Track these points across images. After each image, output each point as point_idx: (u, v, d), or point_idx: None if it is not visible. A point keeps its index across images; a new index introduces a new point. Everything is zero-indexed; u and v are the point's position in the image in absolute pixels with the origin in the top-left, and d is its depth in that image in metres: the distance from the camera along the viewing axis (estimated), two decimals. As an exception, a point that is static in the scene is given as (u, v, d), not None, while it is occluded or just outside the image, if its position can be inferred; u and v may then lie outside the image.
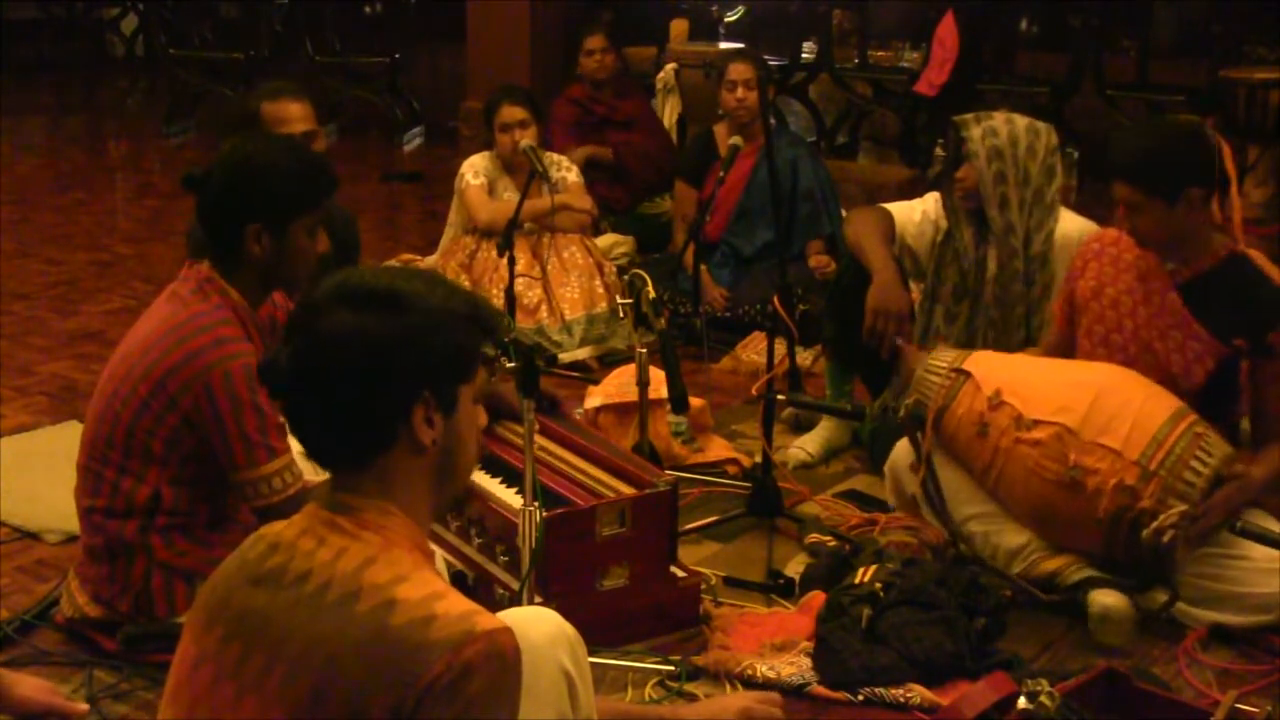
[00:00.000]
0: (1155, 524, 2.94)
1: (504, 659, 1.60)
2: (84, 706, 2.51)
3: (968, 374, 3.23)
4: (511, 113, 5.07)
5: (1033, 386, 3.15)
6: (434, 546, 2.92)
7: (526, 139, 4.90)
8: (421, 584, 1.64)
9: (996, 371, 3.22)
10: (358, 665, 1.58)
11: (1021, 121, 3.74)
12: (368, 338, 1.67)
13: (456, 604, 1.62)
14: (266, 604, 1.66)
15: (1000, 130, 3.69)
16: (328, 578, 1.65)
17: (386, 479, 1.72)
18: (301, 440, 1.76)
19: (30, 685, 2.52)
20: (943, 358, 3.32)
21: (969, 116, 3.75)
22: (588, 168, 5.77)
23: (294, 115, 3.72)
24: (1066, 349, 3.45)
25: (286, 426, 2.86)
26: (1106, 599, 3.02)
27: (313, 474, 3.01)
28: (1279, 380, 3.17)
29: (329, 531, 1.70)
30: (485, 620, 1.60)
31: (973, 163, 3.68)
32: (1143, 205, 3.13)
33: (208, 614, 1.72)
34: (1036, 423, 3.09)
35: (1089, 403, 3.06)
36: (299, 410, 1.73)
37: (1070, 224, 3.76)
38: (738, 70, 5.18)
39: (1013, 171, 3.68)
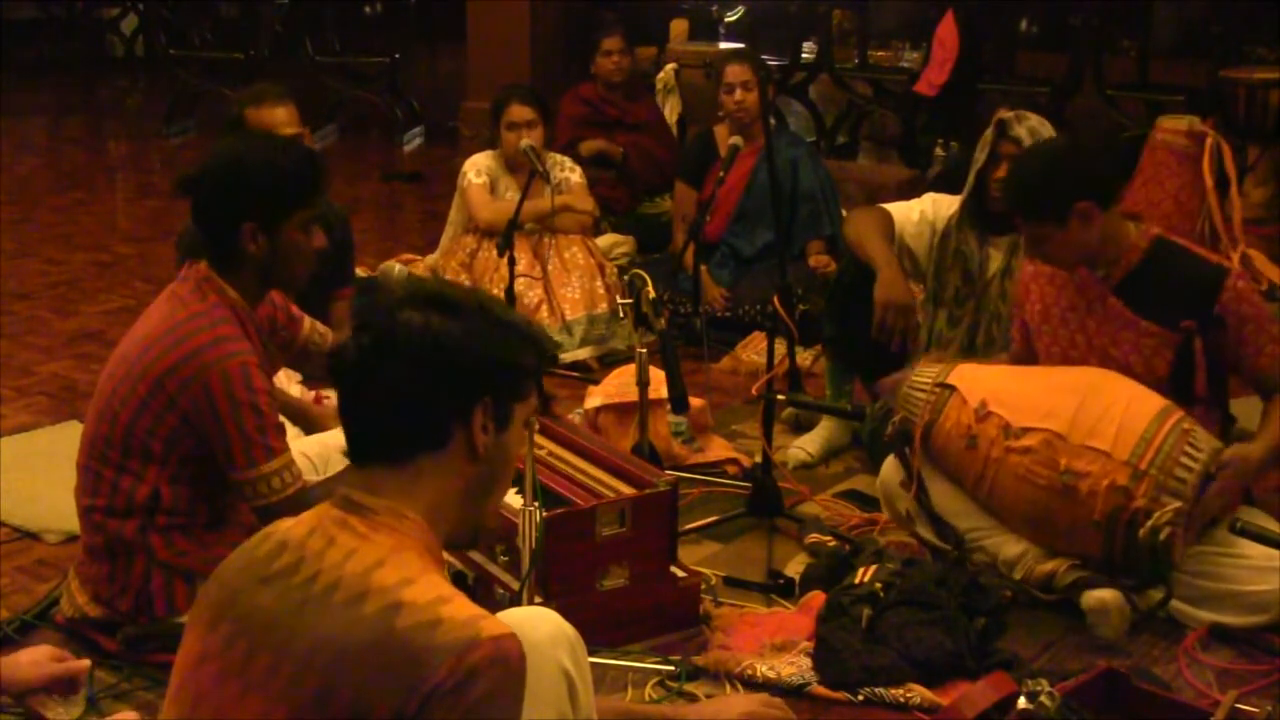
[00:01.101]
0: (1151, 521, 2.94)
1: (508, 665, 1.60)
2: (85, 662, 2.48)
3: (952, 388, 3.23)
4: (520, 112, 5.07)
5: (1018, 395, 3.16)
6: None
7: (530, 139, 4.90)
8: (429, 587, 1.64)
9: (981, 383, 3.22)
10: (363, 667, 1.58)
11: (1047, 123, 3.79)
12: (438, 336, 1.72)
13: (463, 608, 1.63)
14: (274, 603, 1.67)
15: (1042, 131, 3.74)
16: (336, 578, 1.65)
17: (419, 481, 1.74)
18: (351, 430, 1.78)
19: (28, 661, 2.48)
20: (926, 373, 3.32)
21: (1010, 116, 3.76)
22: (593, 166, 5.77)
23: (278, 120, 3.68)
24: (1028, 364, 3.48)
25: (285, 426, 2.89)
26: (1103, 594, 3.02)
27: (312, 474, 3.02)
28: (1246, 342, 3.17)
29: (339, 531, 1.71)
30: (491, 626, 1.61)
31: None
32: (1038, 235, 3.18)
33: (213, 611, 1.72)
34: (1025, 430, 3.09)
35: (1075, 406, 3.06)
36: (359, 401, 1.76)
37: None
38: (734, 72, 5.18)
39: None
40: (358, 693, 1.58)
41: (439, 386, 1.72)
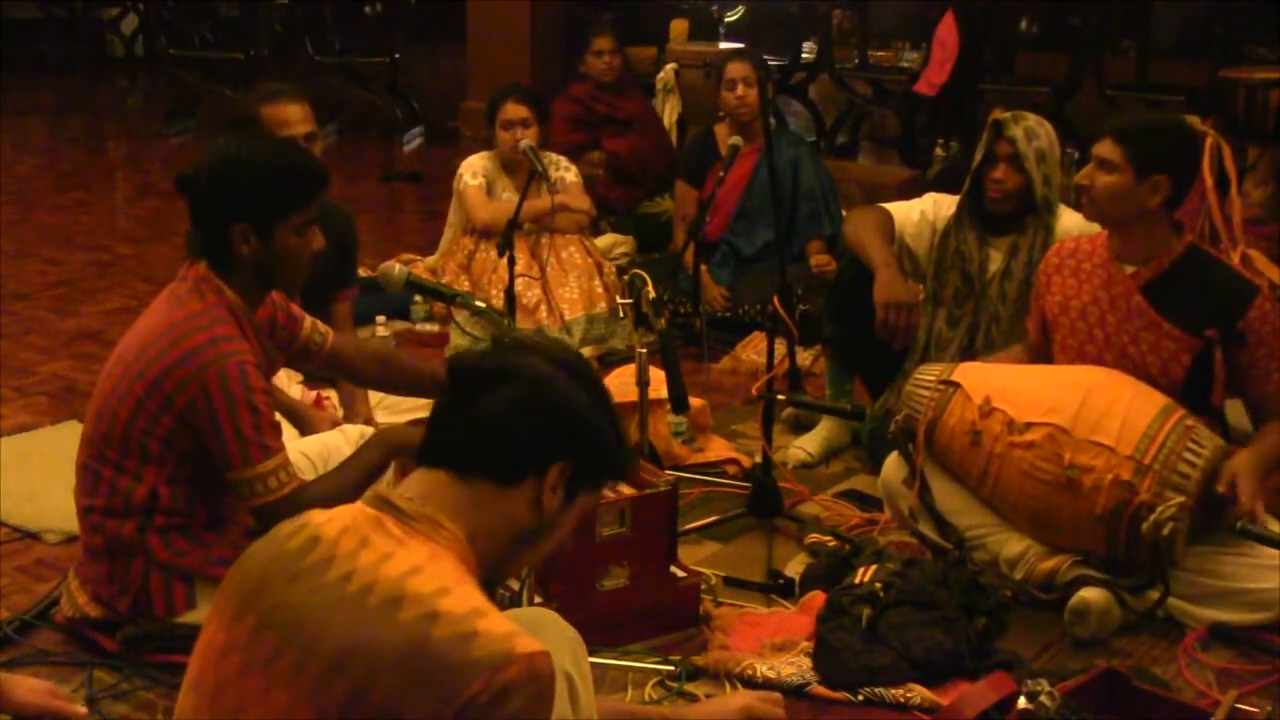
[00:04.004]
0: (1154, 516, 2.95)
1: (540, 682, 1.62)
2: (82, 709, 2.51)
3: (956, 385, 3.23)
4: (515, 110, 5.07)
5: (1022, 391, 3.16)
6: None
7: (527, 139, 4.90)
8: (464, 598, 1.65)
9: (985, 380, 3.23)
10: (397, 674, 1.59)
11: (1046, 123, 3.78)
12: (553, 386, 1.82)
13: (498, 623, 1.64)
14: (304, 600, 1.67)
15: (1039, 132, 3.72)
16: (370, 581, 1.65)
17: (474, 504, 1.78)
18: (436, 434, 1.83)
19: (28, 687, 2.52)
20: (930, 371, 3.33)
21: (1007, 116, 3.76)
22: (590, 167, 5.77)
23: (293, 117, 3.67)
24: (1041, 359, 3.47)
25: (281, 426, 2.88)
26: (1088, 594, 3.03)
27: (311, 474, 3.01)
28: (1258, 365, 3.20)
29: (373, 532, 1.71)
30: (525, 643, 1.62)
31: (1021, 164, 3.69)
32: (1116, 167, 3.16)
33: (239, 602, 1.72)
34: (1029, 425, 3.09)
35: (1079, 402, 3.07)
36: (458, 412, 1.82)
37: (1070, 219, 3.78)
38: (736, 69, 5.19)
39: (1052, 173, 3.73)
40: (388, 699, 1.58)
41: (534, 427, 1.79)
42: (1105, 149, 3.19)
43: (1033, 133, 3.72)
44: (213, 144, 2.83)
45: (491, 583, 1.89)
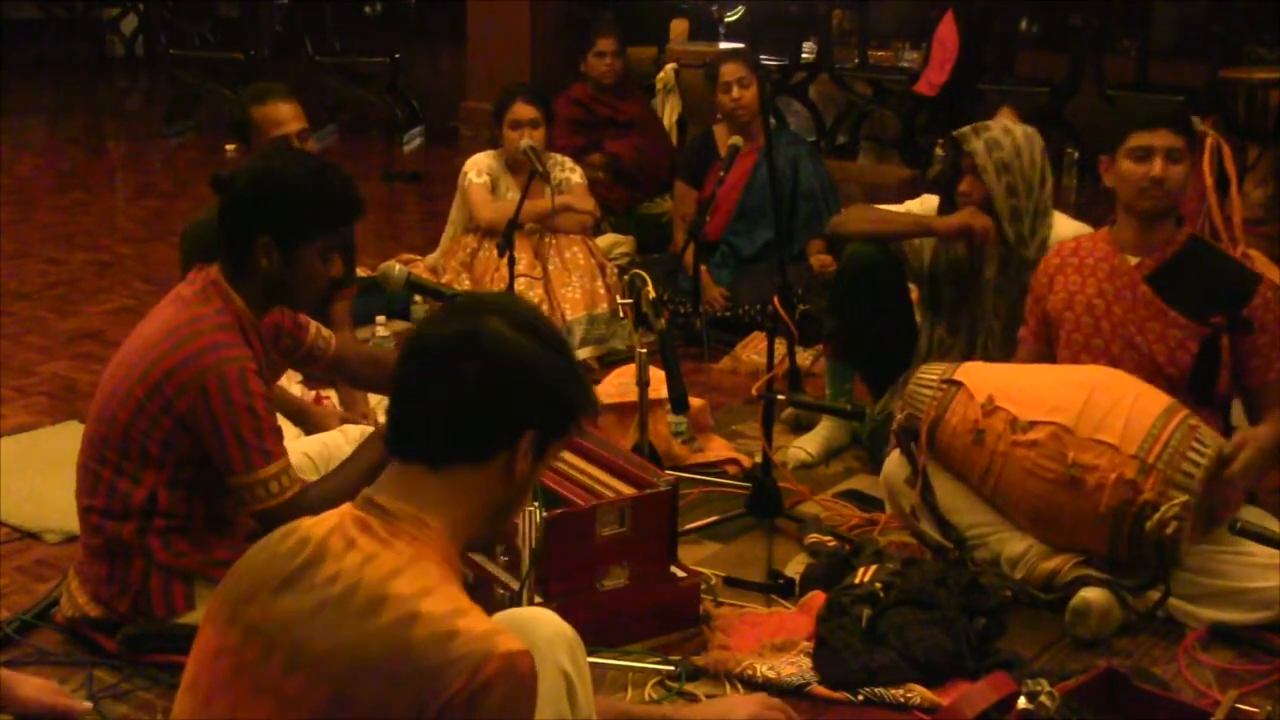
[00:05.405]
0: (1158, 515, 2.95)
1: (520, 680, 1.63)
2: (86, 705, 2.52)
3: (959, 384, 3.23)
4: (524, 110, 5.07)
5: (1025, 390, 3.16)
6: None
7: (529, 140, 4.89)
8: (446, 599, 1.66)
9: (987, 379, 3.23)
10: (378, 677, 1.60)
11: (1017, 129, 3.75)
12: (519, 353, 1.77)
13: (478, 622, 1.65)
14: (292, 606, 1.68)
15: (1003, 142, 3.68)
16: (354, 582, 1.67)
17: (452, 492, 1.77)
18: (404, 420, 1.80)
19: (33, 686, 2.54)
20: (932, 370, 3.33)
21: (967, 130, 3.74)
22: (590, 168, 5.77)
23: (285, 116, 3.70)
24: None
25: (283, 431, 2.88)
26: (1090, 594, 3.03)
27: (312, 474, 3.01)
28: (1260, 353, 3.22)
29: (360, 533, 1.72)
30: (505, 641, 1.63)
31: (981, 177, 3.67)
32: (1183, 156, 3.24)
33: (231, 607, 1.74)
34: (1032, 424, 3.09)
35: (1082, 401, 3.07)
36: (426, 392, 1.77)
37: (1065, 227, 3.76)
38: (729, 71, 5.20)
39: (1021, 183, 3.68)
40: (373, 701, 1.60)
41: (505, 400, 1.76)
42: (1168, 139, 3.23)
43: (995, 144, 3.68)
44: (261, 150, 2.83)
45: (487, 545, 1.90)
